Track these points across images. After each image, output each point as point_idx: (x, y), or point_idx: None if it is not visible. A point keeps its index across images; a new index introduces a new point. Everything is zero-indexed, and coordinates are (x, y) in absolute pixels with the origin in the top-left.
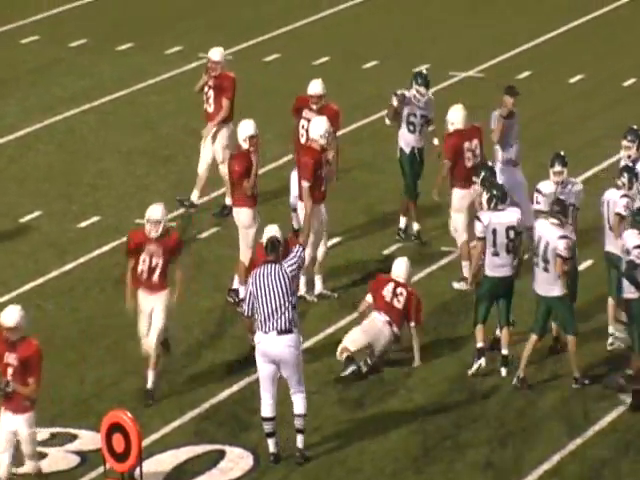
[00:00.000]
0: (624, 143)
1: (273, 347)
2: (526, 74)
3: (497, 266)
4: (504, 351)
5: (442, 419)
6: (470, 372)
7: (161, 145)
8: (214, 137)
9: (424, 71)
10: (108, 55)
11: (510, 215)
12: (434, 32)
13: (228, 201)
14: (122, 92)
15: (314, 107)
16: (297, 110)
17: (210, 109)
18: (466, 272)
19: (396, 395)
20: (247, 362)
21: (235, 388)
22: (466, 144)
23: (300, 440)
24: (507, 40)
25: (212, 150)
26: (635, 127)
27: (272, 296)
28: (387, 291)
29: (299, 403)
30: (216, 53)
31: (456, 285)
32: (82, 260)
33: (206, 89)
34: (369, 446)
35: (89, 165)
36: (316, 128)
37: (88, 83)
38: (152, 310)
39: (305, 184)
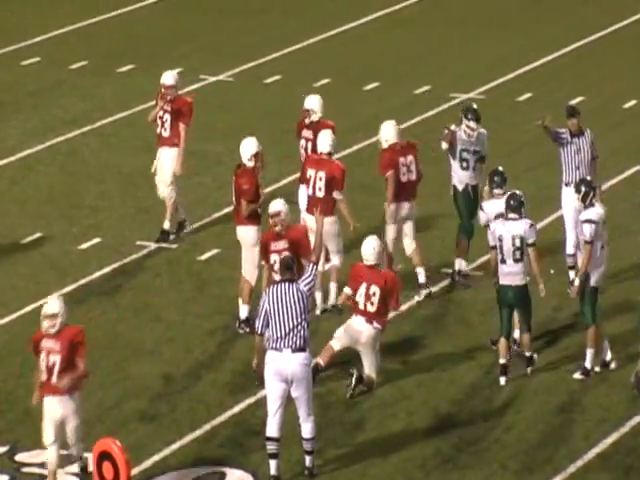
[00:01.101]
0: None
1: (287, 365)
2: (527, 96)
3: (505, 274)
4: (527, 353)
5: (442, 442)
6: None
7: None
8: (164, 160)
9: (474, 105)
10: (109, 77)
11: (518, 225)
12: (435, 54)
13: (167, 225)
14: (123, 114)
15: (306, 121)
16: (299, 134)
17: (166, 133)
18: (422, 279)
19: (396, 418)
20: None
21: (236, 410)
22: (401, 159)
23: (309, 460)
24: (508, 62)
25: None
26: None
27: (289, 315)
28: (360, 296)
29: (308, 427)
30: (169, 77)
31: (417, 298)
32: (83, 282)
33: (161, 113)
34: (369, 469)
35: (90, 187)
36: (324, 140)
37: (89, 105)
38: (61, 417)
39: (341, 196)
